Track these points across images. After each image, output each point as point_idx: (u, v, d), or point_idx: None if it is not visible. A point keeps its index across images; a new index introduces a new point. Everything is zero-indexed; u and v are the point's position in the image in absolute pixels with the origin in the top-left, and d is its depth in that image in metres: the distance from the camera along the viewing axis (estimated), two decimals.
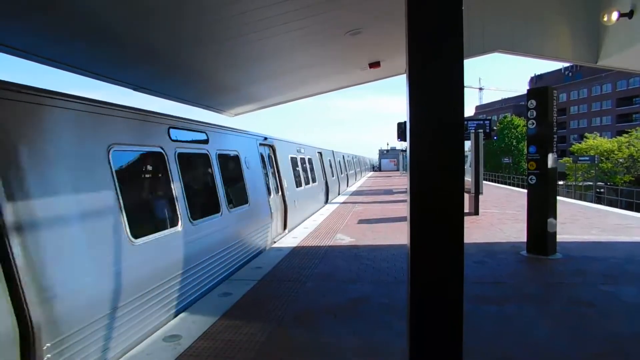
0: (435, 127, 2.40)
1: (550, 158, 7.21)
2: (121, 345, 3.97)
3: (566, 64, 77.93)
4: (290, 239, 9.35)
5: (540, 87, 7.79)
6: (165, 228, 5.08)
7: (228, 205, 6.99)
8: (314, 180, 15.37)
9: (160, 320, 4.61)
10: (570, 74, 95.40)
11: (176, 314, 4.90)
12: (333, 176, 20.57)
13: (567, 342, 4.07)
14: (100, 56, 6.97)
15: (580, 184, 40.26)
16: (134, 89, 8.79)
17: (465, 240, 2.50)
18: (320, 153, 17.88)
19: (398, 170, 54.55)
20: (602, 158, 45.94)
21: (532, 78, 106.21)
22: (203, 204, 6.45)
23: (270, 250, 8.35)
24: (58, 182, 3.69)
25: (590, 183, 39.27)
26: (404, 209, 13.64)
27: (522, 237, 7.91)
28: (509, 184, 32.00)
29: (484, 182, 16.74)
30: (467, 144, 13.52)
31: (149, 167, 5.60)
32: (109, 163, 4.25)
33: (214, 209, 6.59)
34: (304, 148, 14.66)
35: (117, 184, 4.25)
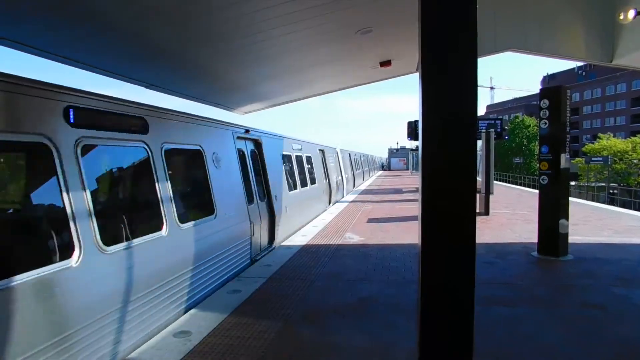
0: (448, 126, 2.38)
1: (563, 158, 7.13)
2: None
3: (579, 63, 76.99)
4: (300, 237, 9.37)
5: (553, 87, 7.71)
6: None
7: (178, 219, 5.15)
8: (313, 182, 13.48)
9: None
10: (583, 73, 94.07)
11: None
12: (338, 176, 19.03)
13: (579, 346, 4.03)
14: (114, 54, 7.05)
15: (593, 184, 39.73)
16: (146, 87, 8.87)
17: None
18: (322, 151, 16.11)
19: (407, 169, 54.34)
20: (616, 159, 45.34)
21: (544, 77, 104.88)
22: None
23: (279, 249, 8.38)
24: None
25: (603, 184, 38.75)
26: (413, 209, 13.63)
27: (533, 237, 7.83)
28: (520, 184, 31.68)
29: (495, 182, 16.61)
30: (478, 144, 13.42)
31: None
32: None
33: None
34: (302, 144, 12.96)
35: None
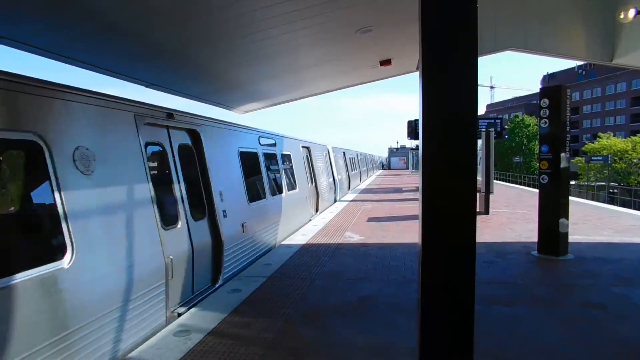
0: (448, 125, 2.38)
1: (563, 158, 7.13)
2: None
3: (580, 63, 76.99)
4: (300, 237, 9.36)
5: (553, 86, 7.70)
6: None
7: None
8: (292, 187, 10.82)
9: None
10: (583, 72, 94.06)
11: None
12: (329, 178, 16.53)
13: (579, 346, 4.03)
14: (114, 54, 7.06)
15: (593, 184, 39.73)
16: (146, 86, 8.89)
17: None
18: (307, 148, 13.46)
19: (407, 168, 54.38)
20: (616, 158, 45.37)
21: (544, 77, 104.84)
22: None
23: (279, 248, 8.38)
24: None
25: (603, 183, 38.76)
26: (413, 208, 13.64)
27: (533, 237, 7.83)
28: (520, 184, 31.70)
29: (495, 181, 16.57)
30: (478, 143, 13.41)
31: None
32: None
33: None
34: (276, 139, 10.30)
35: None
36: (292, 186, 10.80)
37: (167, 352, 3.92)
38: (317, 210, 13.45)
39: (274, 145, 10.09)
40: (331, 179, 16.92)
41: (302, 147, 12.85)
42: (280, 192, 9.81)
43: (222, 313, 4.83)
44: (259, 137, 9.07)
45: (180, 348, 3.97)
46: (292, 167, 11.25)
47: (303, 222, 11.24)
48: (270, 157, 9.72)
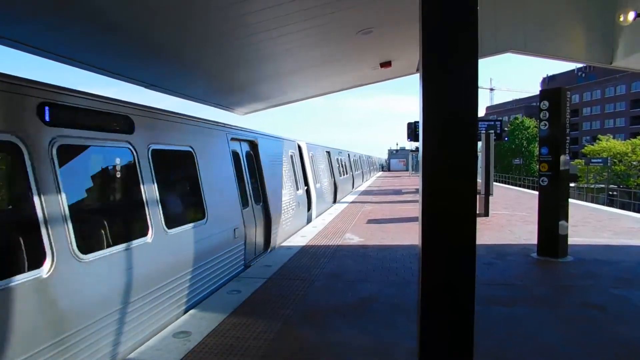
0: (449, 127, 2.38)
1: (563, 160, 7.13)
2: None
3: (579, 65, 77.12)
4: (299, 238, 9.36)
5: (553, 88, 7.72)
6: None
7: None
8: (198, 216, 5.73)
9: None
10: (583, 74, 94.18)
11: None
12: (298, 190, 11.35)
13: (578, 346, 4.03)
14: (113, 54, 7.06)
15: (592, 186, 39.74)
16: (145, 87, 8.89)
17: None
18: (250, 143, 8.38)
19: (407, 170, 54.40)
20: (615, 160, 45.42)
21: (544, 79, 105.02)
22: None
23: (279, 249, 8.37)
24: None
25: (603, 185, 38.75)
26: (412, 209, 13.65)
27: (533, 239, 7.83)
28: (520, 186, 31.69)
29: (494, 183, 16.51)
30: (478, 145, 13.41)
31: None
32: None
33: None
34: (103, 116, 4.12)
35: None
36: (198, 214, 5.80)
37: (167, 353, 3.91)
38: (268, 247, 8.44)
39: (128, 130, 4.49)
40: (302, 191, 11.80)
41: (234, 139, 7.52)
42: (142, 234, 4.50)
43: (222, 314, 4.82)
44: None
45: (180, 349, 3.97)
46: (199, 177, 5.90)
47: (227, 277, 6.32)
48: (122, 164, 4.56)
